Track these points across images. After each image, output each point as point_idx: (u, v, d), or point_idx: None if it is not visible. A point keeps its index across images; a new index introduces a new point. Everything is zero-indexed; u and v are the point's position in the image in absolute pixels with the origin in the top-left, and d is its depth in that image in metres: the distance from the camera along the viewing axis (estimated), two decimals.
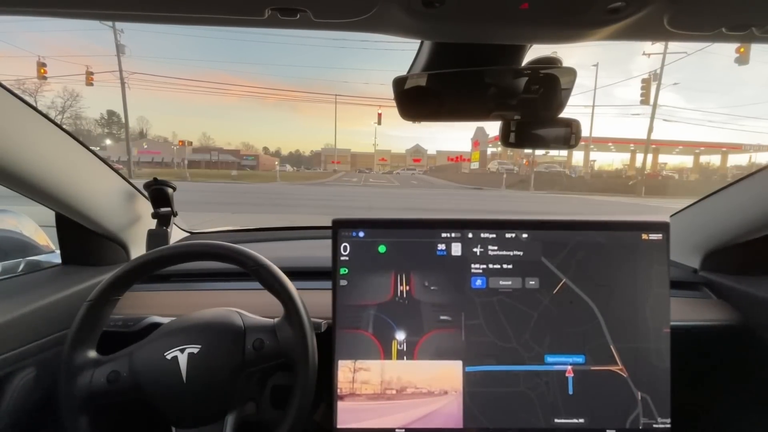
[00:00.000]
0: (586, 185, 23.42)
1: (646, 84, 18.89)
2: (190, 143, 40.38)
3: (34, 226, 1.16)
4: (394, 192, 18.37)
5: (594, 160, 41.53)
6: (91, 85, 17.26)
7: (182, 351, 0.62)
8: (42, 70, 15.26)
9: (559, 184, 23.24)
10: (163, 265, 0.67)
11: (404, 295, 0.71)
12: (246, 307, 0.74)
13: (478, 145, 41.68)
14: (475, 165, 41.03)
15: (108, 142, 46.96)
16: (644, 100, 18.88)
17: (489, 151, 43.61)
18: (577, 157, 38.96)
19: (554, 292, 0.70)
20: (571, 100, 0.62)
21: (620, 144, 38.55)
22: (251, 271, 0.66)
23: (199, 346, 0.63)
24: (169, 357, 0.62)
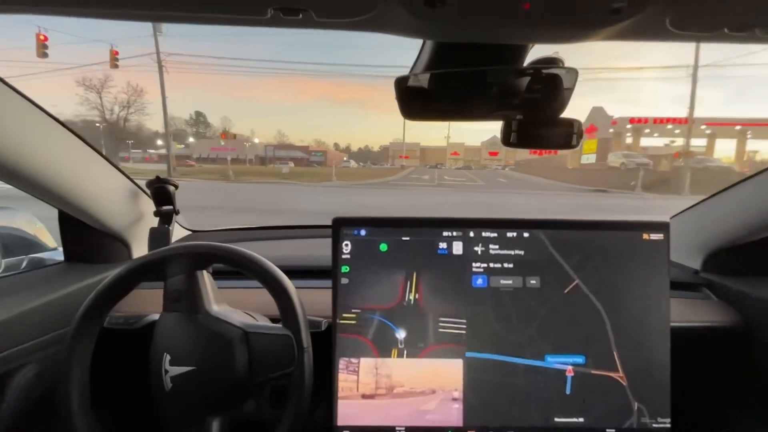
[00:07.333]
0: None
1: None
2: (234, 136, 39.25)
3: (38, 223, 1.17)
4: (484, 201, 11.54)
5: (756, 151, 27.42)
6: (116, 67, 15.25)
7: (175, 365, 0.63)
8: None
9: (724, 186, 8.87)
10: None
11: (411, 302, 0.71)
12: (246, 306, 0.74)
13: (594, 131, 26.75)
14: (589, 158, 27.25)
15: (191, 139, 50.82)
16: None
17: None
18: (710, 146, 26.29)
19: (565, 291, 0.70)
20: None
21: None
22: (268, 288, 0.66)
23: (193, 368, 0.63)
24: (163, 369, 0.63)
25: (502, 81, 0.62)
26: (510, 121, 0.65)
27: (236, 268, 0.66)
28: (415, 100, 0.64)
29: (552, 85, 0.61)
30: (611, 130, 26.82)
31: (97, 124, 31.80)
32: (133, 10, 0.42)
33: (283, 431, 0.61)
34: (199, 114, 58.87)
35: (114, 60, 14.23)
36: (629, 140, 27.55)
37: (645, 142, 28.38)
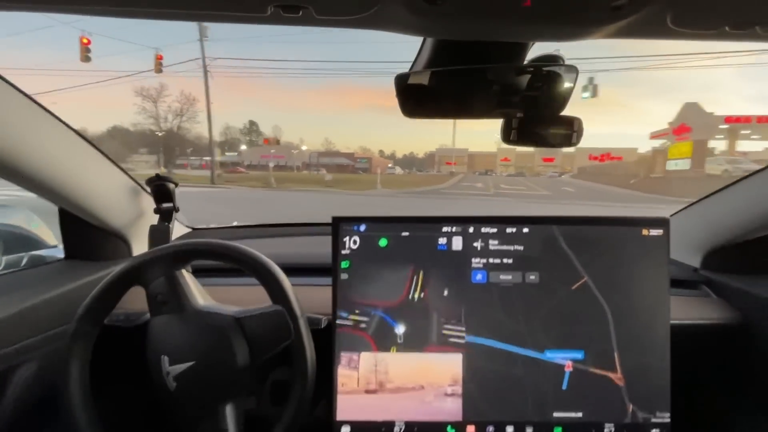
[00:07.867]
0: None
1: None
2: (277, 141, 40.23)
3: (38, 220, 1.17)
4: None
5: None
6: (160, 71, 14.91)
7: (175, 364, 0.64)
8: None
9: None
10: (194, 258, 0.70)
11: (416, 300, 0.71)
12: (246, 303, 0.75)
13: (686, 132, 21.69)
14: (678, 164, 21.77)
15: (243, 147, 52.51)
16: None
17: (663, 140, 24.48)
18: None
19: (573, 288, 0.70)
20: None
21: None
22: (249, 270, 0.66)
23: (193, 362, 0.63)
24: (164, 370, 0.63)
25: (503, 78, 0.62)
26: (510, 118, 0.65)
27: (213, 259, 0.66)
28: (415, 98, 0.64)
29: (552, 82, 0.61)
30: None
31: (157, 133, 32.22)
32: (133, 7, 0.42)
33: (293, 410, 0.62)
34: (252, 123, 61.70)
35: (159, 65, 14.11)
36: (720, 143, 22.99)
37: (740, 145, 23.37)
